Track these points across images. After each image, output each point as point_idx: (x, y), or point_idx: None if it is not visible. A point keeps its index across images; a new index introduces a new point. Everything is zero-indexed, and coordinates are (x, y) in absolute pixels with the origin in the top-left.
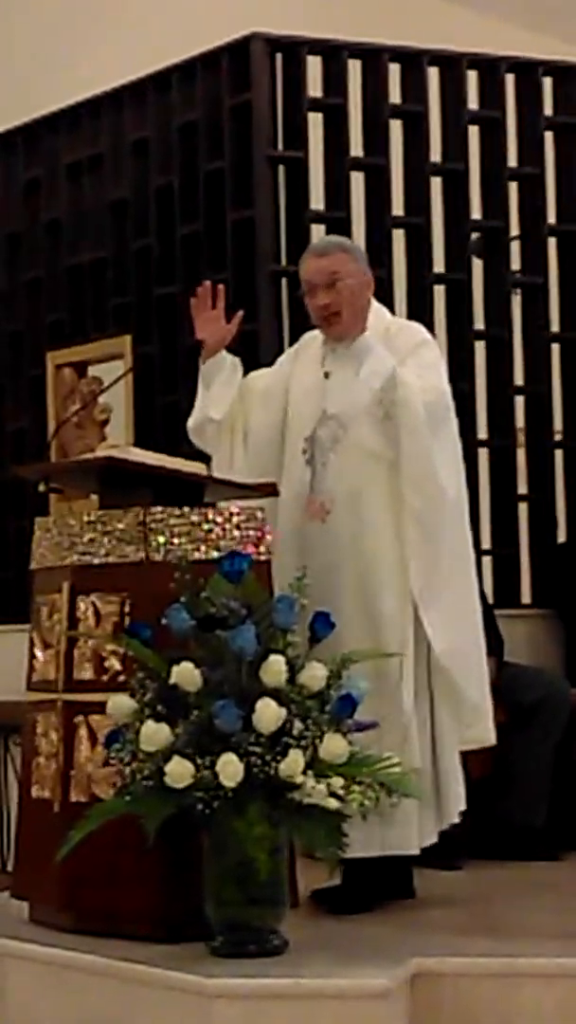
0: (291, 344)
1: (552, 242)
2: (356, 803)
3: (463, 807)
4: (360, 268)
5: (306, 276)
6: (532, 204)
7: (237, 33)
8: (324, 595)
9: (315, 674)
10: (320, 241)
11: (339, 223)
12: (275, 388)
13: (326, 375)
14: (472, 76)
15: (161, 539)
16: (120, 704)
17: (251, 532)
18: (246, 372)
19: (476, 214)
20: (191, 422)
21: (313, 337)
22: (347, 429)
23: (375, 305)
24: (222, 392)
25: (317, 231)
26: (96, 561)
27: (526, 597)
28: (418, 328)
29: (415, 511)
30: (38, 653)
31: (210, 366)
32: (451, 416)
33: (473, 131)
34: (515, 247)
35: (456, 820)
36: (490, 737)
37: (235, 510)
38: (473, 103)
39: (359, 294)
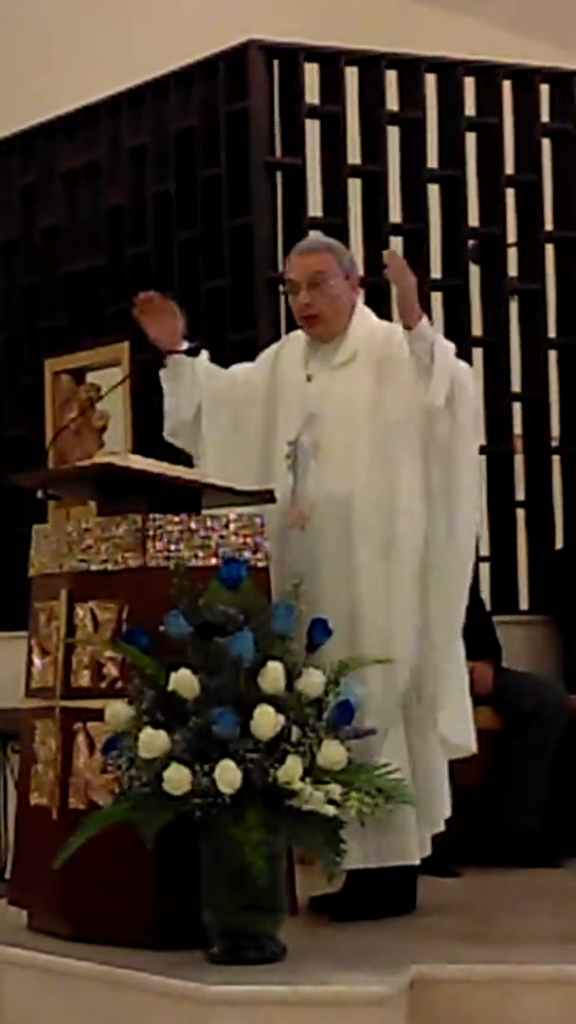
0: None
1: (549, 249)
2: (354, 810)
3: (448, 814)
4: (345, 269)
5: (290, 274)
6: (529, 211)
7: (234, 40)
8: (305, 602)
9: (313, 681)
10: (306, 240)
11: (336, 230)
12: (257, 384)
13: (308, 378)
14: (469, 83)
15: (159, 546)
16: (118, 711)
17: (249, 539)
18: None
19: (473, 221)
20: (166, 429)
21: (295, 337)
22: (330, 431)
23: (361, 308)
24: (190, 391)
25: (301, 241)
26: (94, 568)
27: (524, 603)
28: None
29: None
30: (36, 660)
31: (175, 366)
32: None
33: (470, 138)
34: (512, 254)
35: (442, 828)
36: (471, 745)
37: (233, 517)
38: (470, 110)
39: (342, 295)
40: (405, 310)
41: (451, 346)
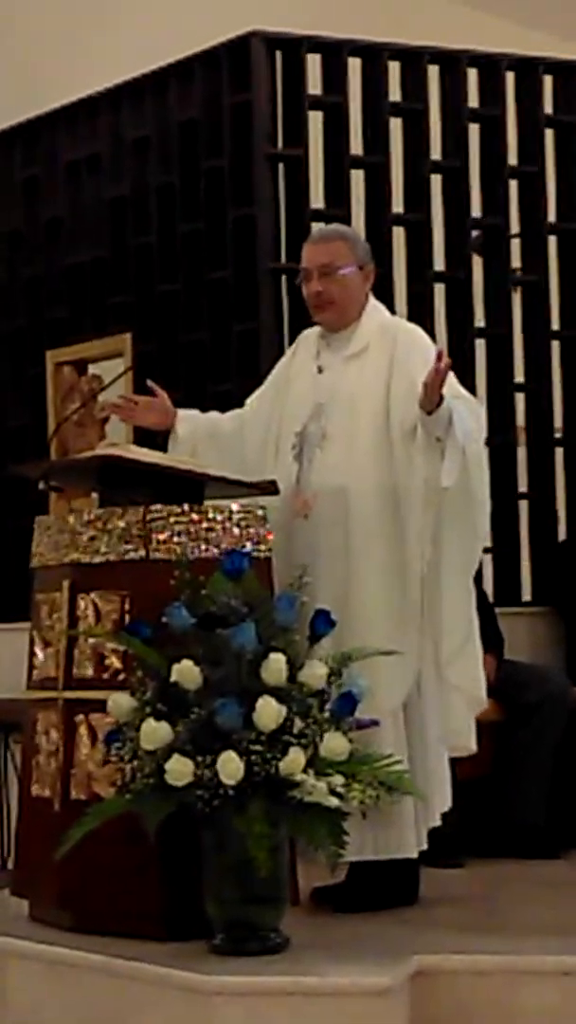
0: (291, 342)
1: (552, 240)
2: (356, 801)
3: (447, 807)
4: (359, 258)
5: (304, 262)
6: (532, 202)
7: (237, 31)
8: (307, 591)
9: (315, 672)
10: (322, 228)
11: (339, 220)
12: (269, 390)
13: (319, 369)
14: (472, 74)
15: (161, 537)
16: (120, 702)
17: (251, 530)
18: (246, 368)
19: (476, 212)
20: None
21: (308, 334)
22: (337, 421)
23: (373, 301)
24: (209, 447)
25: (316, 228)
26: (96, 559)
27: (526, 595)
28: (421, 332)
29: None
30: (38, 651)
31: (183, 443)
32: None
33: (473, 129)
34: (515, 245)
35: (438, 823)
36: (471, 745)
37: (235, 508)
38: (473, 101)
39: (353, 284)
40: (428, 402)
41: (466, 417)
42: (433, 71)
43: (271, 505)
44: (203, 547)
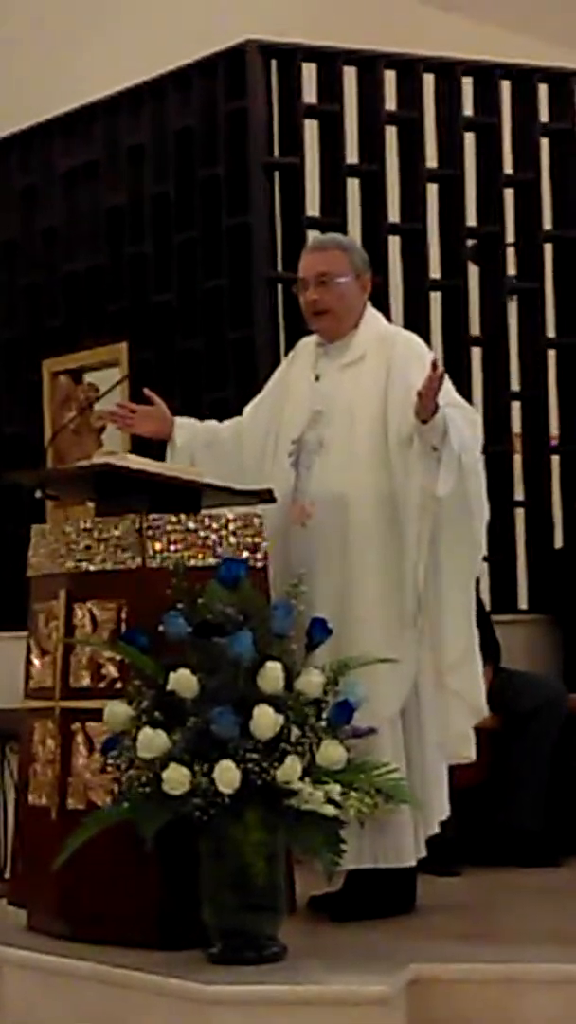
0: (287, 351)
1: (548, 248)
2: (353, 810)
3: (446, 816)
4: (356, 267)
5: (301, 271)
6: (528, 210)
7: (233, 40)
8: (304, 599)
9: (312, 680)
10: (320, 237)
11: (335, 229)
12: (267, 398)
13: (316, 378)
14: (467, 82)
15: (158, 546)
16: (117, 711)
17: (248, 538)
18: (242, 376)
19: (472, 220)
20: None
21: (306, 343)
22: (335, 429)
23: (370, 309)
24: (207, 455)
25: (313, 237)
26: (93, 568)
27: (523, 603)
28: (419, 341)
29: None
30: (35, 660)
31: (181, 452)
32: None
33: (469, 137)
34: (511, 253)
35: (437, 831)
36: (471, 753)
37: (231, 517)
38: (468, 109)
39: (350, 293)
40: (423, 411)
41: (463, 426)
42: (428, 80)
43: (268, 513)
44: (199, 556)
